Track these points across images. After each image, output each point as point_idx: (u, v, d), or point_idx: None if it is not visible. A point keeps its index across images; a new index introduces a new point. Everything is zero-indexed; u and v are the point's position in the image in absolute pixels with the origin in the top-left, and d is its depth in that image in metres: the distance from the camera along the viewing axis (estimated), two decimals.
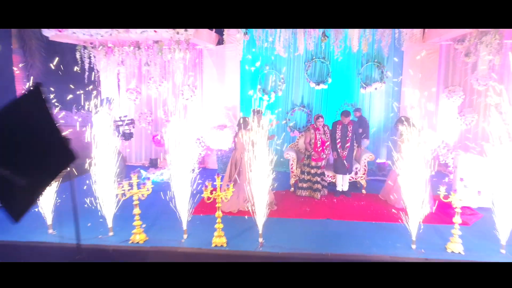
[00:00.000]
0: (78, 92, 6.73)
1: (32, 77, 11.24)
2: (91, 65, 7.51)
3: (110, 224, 4.53)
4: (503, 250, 4.08)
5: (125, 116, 6.61)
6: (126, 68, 7.80)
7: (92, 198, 4.54)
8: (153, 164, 8.34)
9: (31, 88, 1.90)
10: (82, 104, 5.55)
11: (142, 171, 7.16)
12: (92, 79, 7.54)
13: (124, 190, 4.21)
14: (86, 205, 4.84)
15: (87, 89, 7.24)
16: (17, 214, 1.88)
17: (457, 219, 4.07)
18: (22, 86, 11.83)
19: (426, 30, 7.42)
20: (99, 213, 4.48)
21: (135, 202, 4.28)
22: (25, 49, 11.77)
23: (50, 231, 4.62)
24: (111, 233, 4.52)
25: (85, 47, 7.29)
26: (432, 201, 4.96)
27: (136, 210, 4.31)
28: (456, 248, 4.09)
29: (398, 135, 5.56)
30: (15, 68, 11.52)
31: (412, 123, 4.54)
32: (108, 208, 4.48)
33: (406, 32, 6.70)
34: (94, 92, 7.80)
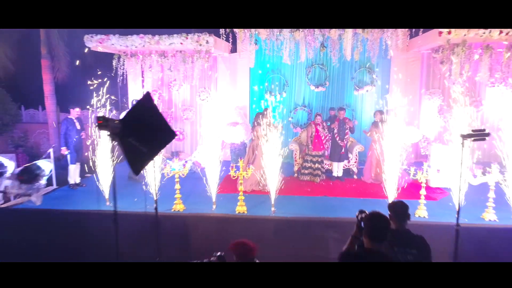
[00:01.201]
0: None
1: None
2: (123, 71, 8.77)
3: (155, 197, 5.80)
4: (456, 215, 5.36)
5: None
6: (152, 74, 9.02)
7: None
8: (174, 155, 9.61)
9: (144, 95, 3.18)
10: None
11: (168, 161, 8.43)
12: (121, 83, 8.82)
13: (168, 170, 5.48)
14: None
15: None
16: (138, 170, 3.15)
17: (422, 191, 5.37)
18: (50, 87, 13.04)
19: (409, 40, 8.70)
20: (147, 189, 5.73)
21: (177, 180, 5.56)
22: (53, 55, 12.99)
23: (108, 203, 5.89)
24: (155, 205, 5.78)
25: (119, 56, 8.55)
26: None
27: (177, 186, 5.59)
28: (422, 213, 5.39)
29: (374, 124, 6.93)
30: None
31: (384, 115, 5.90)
32: (153, 185, 5.74)
33: (391, 44, 7.95)
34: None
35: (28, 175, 3.80)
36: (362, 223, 2.65)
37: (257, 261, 3.09)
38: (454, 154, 5.38)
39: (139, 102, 3.13)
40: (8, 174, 3.90)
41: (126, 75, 9.12)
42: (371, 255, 2.30)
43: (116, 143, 3.02)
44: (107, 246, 4.91)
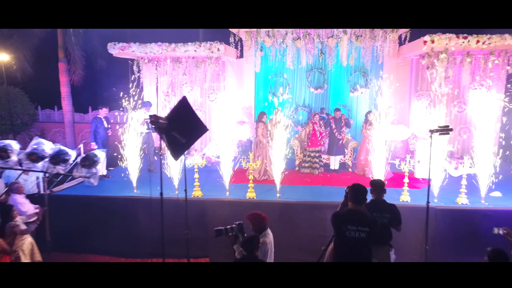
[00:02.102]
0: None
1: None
2: (140, 74, 9.67)
3: (176, 185, 6.73)
4: (436, 199, 6.30)
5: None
6: (167, 77, 9.91)
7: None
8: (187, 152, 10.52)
9: (182, 98, 4.11)
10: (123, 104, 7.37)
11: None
12: (136, 85, 9.70)
13: (188, 162, 6.41)
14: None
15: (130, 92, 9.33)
16: (177, 156, 4.08)
17: (405, 179, 6.30)
18: (66, 88, 13.93)
19: (399, 48, 9.62)
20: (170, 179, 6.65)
21: (196, 170, 6.49)
22: (69, 58, 13.88)
23: (135, 190, 6.82)
24: (177, 192, 6.71)
25: (138, 62, 9.46)
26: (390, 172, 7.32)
27: (196, 175, 6.51)
28: (405, 198, 6.32)
29: (366, 122, 7.90)
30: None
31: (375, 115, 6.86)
32: (174, 176, 6.67)
33: (382, 51, 8.87)
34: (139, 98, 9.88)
35: (88, 161, 4.70)
36: (348, 195, 3.59)
37: (268, 229, 4.02)
38: (430, 147, 6.33)
39: (178, 105, 4.07)
40: (71, 161, 4.84)
41: (142, 78, 10.01)
42: (353, 213, 3.23)
43: (162, 135, 3.96)
44: (141, 223, 5.87)
